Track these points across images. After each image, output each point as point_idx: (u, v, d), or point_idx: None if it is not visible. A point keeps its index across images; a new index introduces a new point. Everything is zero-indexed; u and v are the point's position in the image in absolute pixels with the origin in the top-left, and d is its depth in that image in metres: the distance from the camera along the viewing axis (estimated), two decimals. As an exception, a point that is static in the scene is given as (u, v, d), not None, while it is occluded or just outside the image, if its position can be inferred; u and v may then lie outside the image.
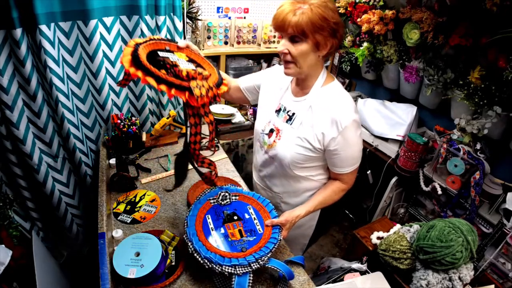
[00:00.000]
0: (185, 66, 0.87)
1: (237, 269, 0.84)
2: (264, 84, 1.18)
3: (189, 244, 0.89)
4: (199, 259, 0.85)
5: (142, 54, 0.81)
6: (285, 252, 1.06)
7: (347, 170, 1.04)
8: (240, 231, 0.96)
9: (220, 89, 0.90)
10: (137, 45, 0.84)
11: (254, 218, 1.01)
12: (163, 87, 0.76)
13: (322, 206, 1.09)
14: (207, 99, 0.81)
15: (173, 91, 0.77)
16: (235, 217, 1.00)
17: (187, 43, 0.99)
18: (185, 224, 0.96)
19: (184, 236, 0.93)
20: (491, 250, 1.36)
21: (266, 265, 0.89)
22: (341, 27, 0.91)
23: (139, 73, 0.76)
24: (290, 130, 1.03)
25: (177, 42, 0.98)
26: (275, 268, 0.89)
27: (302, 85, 1.03)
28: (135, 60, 0.78)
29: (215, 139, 0.98)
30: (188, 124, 0.84)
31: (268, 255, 0.89)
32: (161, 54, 0.89)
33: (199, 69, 0.86)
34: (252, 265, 0.85)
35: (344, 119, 0.94)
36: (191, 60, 0.96)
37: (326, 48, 0.92)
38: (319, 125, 0.97)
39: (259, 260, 0.87)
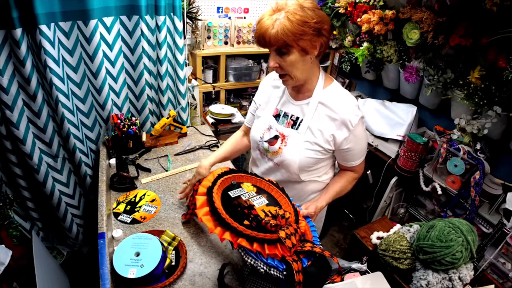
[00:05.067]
0: (258, 203, 0.89)
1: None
2: (260, 99, 1.18)
3: (249, 259, 0.76)
4: (265, 268, 0.74)
5: (220, 205, 0.80)
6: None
7: (359, 162, 1.08)
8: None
9: (301, 225, 0.84)
10: (210, 192, 0.84)
11: None
12: (256, 246, 0.73)
13: (338, 196, 1.11)
14: (297, 244, 0.76)
15: (267, 250, 0.73)
16: None
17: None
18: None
19: (241, 252, 0.77)
20: (491, 250, 1.36)
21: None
22: (325, 23, 0.90)
23: (227, 236, 0.73)
24: (297, 136, 1.02)
25: (238, 171, 0.98)
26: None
27: (301, 90, 1.03)
28: (215, 214, 0.77)
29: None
30: (295, 272, 0.72)
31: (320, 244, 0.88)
32: (231, 194, 0.89)
33: (280, 211, 0.82)
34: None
35: (353, 118, 0.96)
36: (260, 190, 0.96)
37: (316, 49, 0.91)
38: (328, 128, 0.98)
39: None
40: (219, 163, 1.20)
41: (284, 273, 0.72)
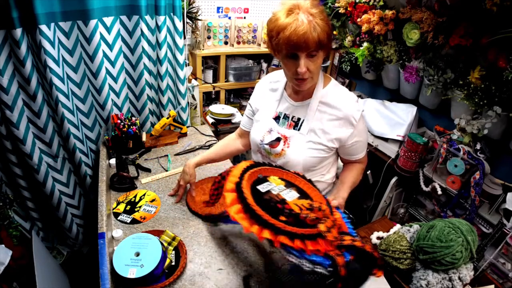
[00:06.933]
0: (290, 197, 0.83)
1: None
2: (256, 103, 1.17)
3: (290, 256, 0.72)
4: (310, 266, 0.69)
5: (253, 202, 0.73)
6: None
7: (363, 154, 1.10)
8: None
9: (336, 216, 0.80)
10: (239, 185, 0.78)
11: None
12: (298, 243, 0.67)
13: (354, 186, 1.11)
14: (339, 237, 0.71)
15: (310, 246, 0.67)
16: None
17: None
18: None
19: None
20: (491, 250, 1.35)
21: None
22: None
23: (266, 234, 0.67)
24: (299, 136, 1.02)
25: (263, 164, 0.94)
26: None
27: (302, 91, 1.02)
28: (248, 211, 0.71)
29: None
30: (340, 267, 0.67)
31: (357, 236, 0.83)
32: (260, 189, 0.83)
33: (315, 203, 0.78)
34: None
35: (356, 114, 0.98)
36: (288, 184, 0.91)
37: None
38: (332, 126, 0.99)
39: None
40: (206, 164, 1.20)
41: (329, 269, 0.67)
